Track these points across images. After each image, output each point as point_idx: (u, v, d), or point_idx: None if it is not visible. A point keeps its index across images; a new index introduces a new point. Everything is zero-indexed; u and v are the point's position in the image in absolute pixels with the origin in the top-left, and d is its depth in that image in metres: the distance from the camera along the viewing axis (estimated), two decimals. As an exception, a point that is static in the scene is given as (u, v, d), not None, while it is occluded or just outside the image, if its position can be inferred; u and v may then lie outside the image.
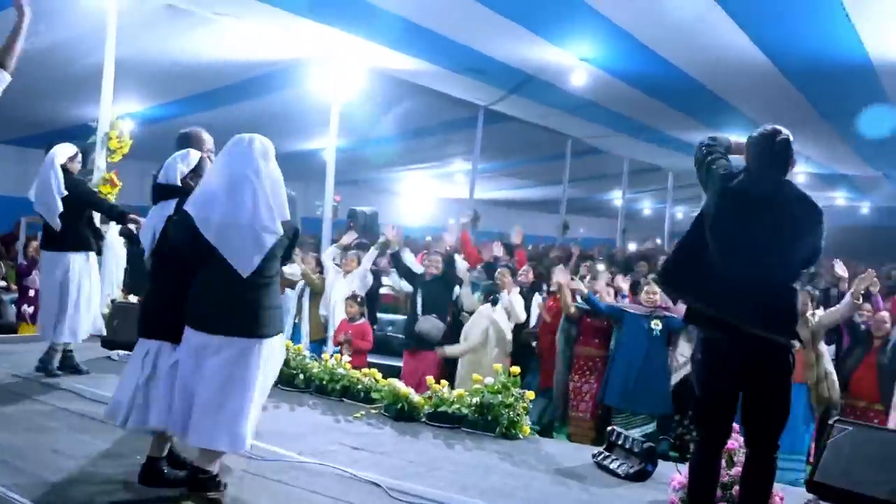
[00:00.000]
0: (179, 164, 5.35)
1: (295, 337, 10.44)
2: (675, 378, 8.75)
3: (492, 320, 9.18)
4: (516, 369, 7.39)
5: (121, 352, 8.90)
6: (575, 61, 12.65)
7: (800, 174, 24.56)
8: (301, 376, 8.26)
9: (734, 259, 4.64)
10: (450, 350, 9.30)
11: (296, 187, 22.69)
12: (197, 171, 5.33)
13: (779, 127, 4.75)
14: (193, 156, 5.41)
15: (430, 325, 9.39)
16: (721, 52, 11.38)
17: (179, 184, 5.28)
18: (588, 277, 10.47)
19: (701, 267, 4.76)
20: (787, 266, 4.69)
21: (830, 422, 5.91)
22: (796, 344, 4.74)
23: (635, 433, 7.27)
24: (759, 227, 4.61)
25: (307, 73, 13.78)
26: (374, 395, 7.78)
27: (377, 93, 14.58)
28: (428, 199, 31.70)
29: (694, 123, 17.52)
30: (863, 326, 8.92)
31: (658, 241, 25.39)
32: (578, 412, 9.24)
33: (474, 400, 7.29)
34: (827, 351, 8.51)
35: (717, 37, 10.75)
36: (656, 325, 8.76)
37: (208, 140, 6.09)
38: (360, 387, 7.98)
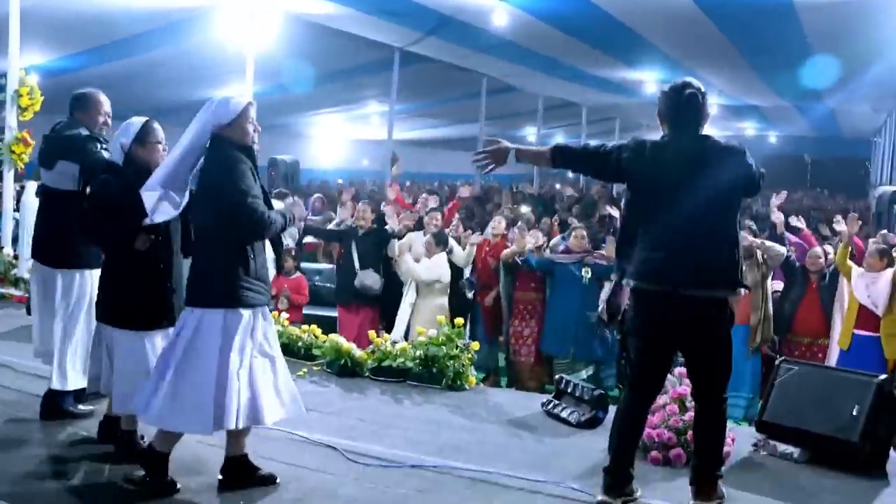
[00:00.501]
0: (121, 139, 5.13)
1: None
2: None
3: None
4: (460, 320, 7.37)
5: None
6: (495, 1, 12.48)
7: (712, 105, 24.91)
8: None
9: (663, 222, 4.53)
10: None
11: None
12: (143, 138, 5.12)
13: (689, 79, 4.61)
14: (136, 123, 5.19)
15: (372, 279, 9.31)
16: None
17: (121, 162, 5.11)
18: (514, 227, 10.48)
19: (635, 243, 4.63)
20: (720, 214, 4.51)
21: (777, 362, 6.04)
22: (742, 291, 4.74)
23: (581, 375, 7.39)
24: (682, 184, 4.47)
25: (219, 19, 13.33)
26: (315, 352, 7.67)
27: (291, 37, 14.19)
28: (342, 141, 31.36)
29: (610, 60, 17.62)
30: (797, 263, 9.08)
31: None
32: (520, 356, 9.31)
33: (418, 353, 7.25)
34: (770, 291, 8.67)
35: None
36: (586, 272, 8.84)
37: (105, 102, 5.93)
38: (300, 344, 7.84)
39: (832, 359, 8.40)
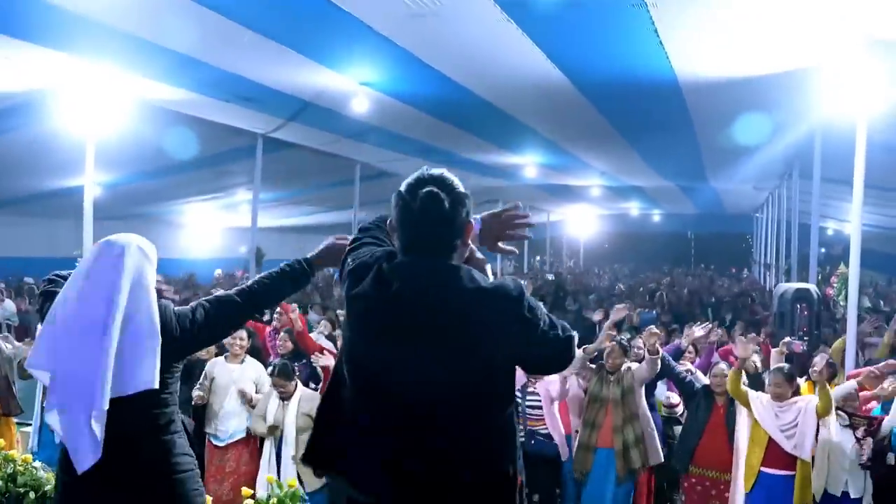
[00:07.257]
0: None
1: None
2: None
3: None
4: (293, 481, 6.06)
5: None
6: (355, 86, 11.55)
7: (594, 188, 24.61)
8: (32, 496, 6.39)
9: (376, 403, 2.80)
10: None
11: (61, 226, 20.85)
12: None
13: (436, 172, 2.84)
14: None
15: None
16: (514, 71, 10.54)
17: None
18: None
19: (342, 422, 2.88)
20: (470, 395, 2.71)
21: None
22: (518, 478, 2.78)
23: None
24: (403, 352, 2.71)
25: (57, 105, 12.00)
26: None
27: (145, 124, 13.03)
28: (213, 229, 30.11)
29: (485, 144, 16.95)
30: (696, 385, 7.74)
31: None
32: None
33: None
34: (647, 409, 7.57)
35: (510, 56, 9.88)
36: None
37: None
38: None
39: (736, 501, 6.99)
